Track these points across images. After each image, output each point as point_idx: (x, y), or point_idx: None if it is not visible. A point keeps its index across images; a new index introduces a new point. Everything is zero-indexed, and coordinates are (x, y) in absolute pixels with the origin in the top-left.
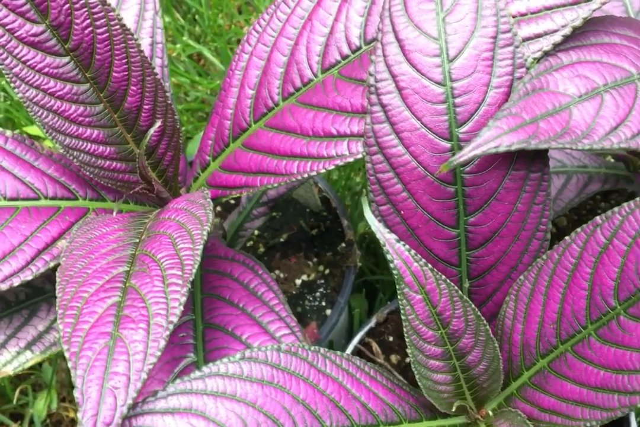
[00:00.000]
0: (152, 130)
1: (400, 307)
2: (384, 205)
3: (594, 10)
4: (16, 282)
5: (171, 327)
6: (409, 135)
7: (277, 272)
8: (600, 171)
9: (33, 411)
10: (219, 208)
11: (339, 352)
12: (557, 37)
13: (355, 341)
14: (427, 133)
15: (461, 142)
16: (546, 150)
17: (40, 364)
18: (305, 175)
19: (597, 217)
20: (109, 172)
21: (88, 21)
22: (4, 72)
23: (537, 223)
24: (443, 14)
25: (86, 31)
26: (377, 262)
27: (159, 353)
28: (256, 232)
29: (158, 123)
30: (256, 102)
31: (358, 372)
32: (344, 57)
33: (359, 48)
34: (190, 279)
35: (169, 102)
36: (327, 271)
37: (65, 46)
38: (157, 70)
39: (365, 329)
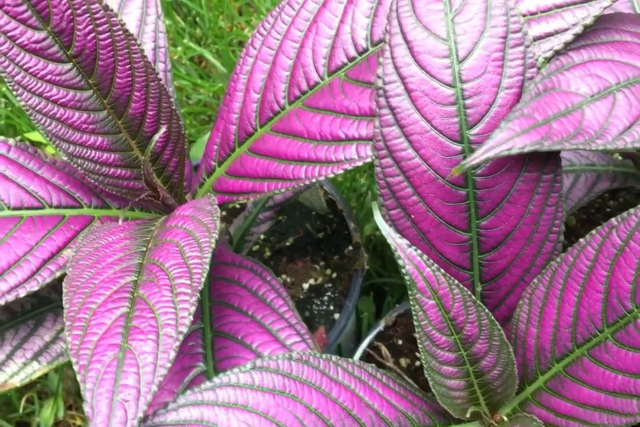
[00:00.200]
0: (157, 137)
1: (413, 313)
2: (394, 209)
3: (605, 8)
4: (22, 293)
5: (181, 337)
6: (419, 138)
7: (284, 276)
8: (609, 169)
9: (39, 420)
10: (224, 213)
11: (350, 360)
12: (568, 36)
13: (364, 344)
14: (437, 135)
15: (472, 144)
16: (558, 151)
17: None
18: (314, 180)
19: (613, 219)
20: (113, 180)
21: (90, 27)
22: (5, 79)
23: (550, 225)
24: (452, 15)
25: (89, 37)
26: (384, 264)
27: (169, 364)
28: (262, 236)
29: (163, 129)
30: (262, 106)
31: (370, 379)
32: (351, 59)
33: (365, 50)
34: (199, 288)
35: (173, 107)
36: (334, 275)
37: (68, 53)
38: (161, 75)
39: (374, 332)
